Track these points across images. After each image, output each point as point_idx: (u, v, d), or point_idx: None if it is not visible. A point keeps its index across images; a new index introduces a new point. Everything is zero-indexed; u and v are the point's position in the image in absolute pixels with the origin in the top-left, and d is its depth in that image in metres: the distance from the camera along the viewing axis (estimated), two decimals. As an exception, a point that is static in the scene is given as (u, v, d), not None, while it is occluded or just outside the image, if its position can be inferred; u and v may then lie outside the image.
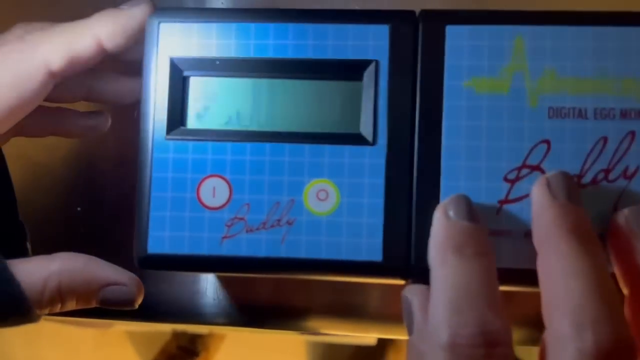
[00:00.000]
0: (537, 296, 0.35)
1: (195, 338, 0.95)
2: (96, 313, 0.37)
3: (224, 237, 0.29)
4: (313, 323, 0.38)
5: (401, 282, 0.29)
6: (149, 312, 0.39)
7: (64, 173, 0.40)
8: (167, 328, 0.87)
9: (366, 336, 0.38)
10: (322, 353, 0.98)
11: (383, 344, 0.89)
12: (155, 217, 0.29)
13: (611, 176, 0.27)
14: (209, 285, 0.38)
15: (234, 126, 0.29)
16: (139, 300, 0.30)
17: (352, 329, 0.37)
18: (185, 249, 0.29)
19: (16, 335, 0.98)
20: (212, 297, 0.38)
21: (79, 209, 0.39)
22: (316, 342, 0.97)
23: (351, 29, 0.29)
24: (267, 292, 0.38)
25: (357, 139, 0.29)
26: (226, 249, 0.29)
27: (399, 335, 0.37)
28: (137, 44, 0.30)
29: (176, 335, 0.96)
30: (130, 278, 0.29)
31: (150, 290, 0.37)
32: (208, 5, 0.40)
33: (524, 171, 0.28)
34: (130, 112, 0.38)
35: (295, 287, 0.38)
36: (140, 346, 1.00)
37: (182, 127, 0.29)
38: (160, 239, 0.29)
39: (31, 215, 0.37)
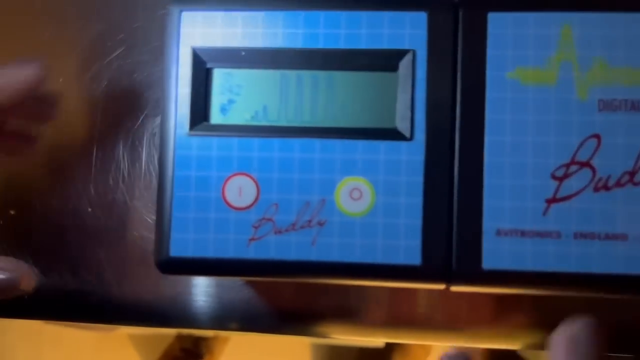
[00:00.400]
0: (549, 299, 0.34)
1: (198, 340, 0.94)
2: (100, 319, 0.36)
3: (251, 239, 0.27)
4: (319, 327, 0.36)
5: (441, 286, 0.27)
6: (155, 316, 0.37)
7: (73, 173, 0.38)
8: (170, 330, 0.85)
9: (374, 340, 0.36)
10: (327, 355, 0.97)
11: (390, 346, 0.88)
12: (178, 219, 0.27)
13: (666, 173, 0.26)
14: (215, 288, 0.37)
15: (260, 121, 0.28)
16: (27, 284, 0.29)
17: (359, 333, 0.36)
18: (210, 252, 0.27)
19: (18, 337, 0.97)
20: (218, 300, 0.37)
21: (89, 209, 0.38)
22: (321, 344, 0.96)
23: (386, 16, 0.27)
24: (272, 296, 0.36)
25: (392, 134, 0.27)
26: (253, 252, 0.27)
27: (406, 339, 0.36)
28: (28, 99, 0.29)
29: (179, 337, 0.95)
30: (11, 262, 0.29)
31: (158, 294, 0.36)
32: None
33: (573, 168, 0.26)
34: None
35: (300, 291, 0.36)
36: (143, 349, 0.99)
37: (206, 123, 0.28)
38: (184, 241, 0.27)
39: (40, 218, 0.37)
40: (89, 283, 0.37)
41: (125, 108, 0.37)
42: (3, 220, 0.37)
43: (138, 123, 0.37)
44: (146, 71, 0.37)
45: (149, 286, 0.36)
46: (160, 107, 0.36)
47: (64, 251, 0.37)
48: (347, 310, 0.36)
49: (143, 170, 0.37)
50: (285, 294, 0.36)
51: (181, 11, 0.28)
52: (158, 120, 0.37)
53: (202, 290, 0.37)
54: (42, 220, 0.37)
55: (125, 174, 0.37)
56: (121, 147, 0.37)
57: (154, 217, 0.36)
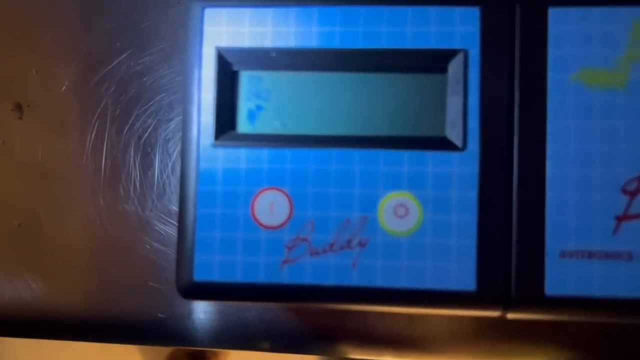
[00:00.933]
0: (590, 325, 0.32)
1: (204, 345, 0.93)
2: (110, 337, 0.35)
3: (284, 262, 0.25)
4: (341, 347, 0.34)
5: (497, 313, 0.24)
6: (168, 334, 0.36)
7: (80, 183, 0.36)
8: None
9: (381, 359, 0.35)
10: None
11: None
12: (203, 239, 0.25)
13: None
14: (229, 306, 0.35)
15: (293, 130, 0.26)
16: None
17: (367, 352, 0.34)
18: (238, 276, 0.25)
19: (21, 340, 0.97)
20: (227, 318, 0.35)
21: (98, 221, 0.36)
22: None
23: (434, 12, 0.25)
24: (292, 316, 0.34)
25: (442, 144, 0.25)
26: (287, 276, 0.25)
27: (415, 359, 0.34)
28: None
29: (185, 341, 0.93)
30: None
31: (171, 311, 0.35)
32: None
33: (646, 181, 0.24)
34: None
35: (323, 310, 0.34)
36: (147, 352, 0.99)
37: (232, 132, 0.26)
38: (209, 264, 0.25)
39: (47, 229, 0.36)
40: (98, 298, 0.35)
41: (135, 113, 0.35)
42: (8, 232, 0.36)
43: (150, 129, 0.35)
44: (158, 74, 0.36)
45: (162, 302, 0.35)
46: (175, 112, 0.35)
47: (71, 264, 0.35)
48: (370, 330, 0.33)
49: (156, 179, 0.35)
50: (307, 313, 0.34)
51: (204, 8, 0.26)
52: (171, 125, 0.35)
53: (216, 308, 0.35)
54: (48, 232, 0.36)
55: (137, 183, 0.36)
56: (132, 154, 0.36)
57: (167, 229, 0.35)
